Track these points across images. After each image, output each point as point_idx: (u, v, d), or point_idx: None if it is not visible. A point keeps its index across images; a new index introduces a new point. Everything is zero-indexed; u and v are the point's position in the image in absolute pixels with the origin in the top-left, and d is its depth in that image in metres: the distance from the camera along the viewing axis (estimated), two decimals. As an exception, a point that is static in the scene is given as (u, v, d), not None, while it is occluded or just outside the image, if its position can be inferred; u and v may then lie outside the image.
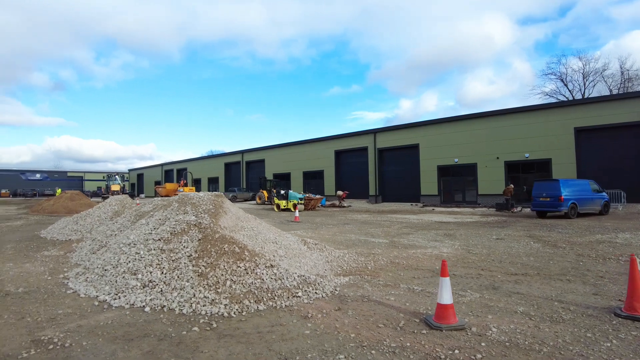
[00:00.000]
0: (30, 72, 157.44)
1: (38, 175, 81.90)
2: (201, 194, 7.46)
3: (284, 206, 23.54)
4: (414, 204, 28.94)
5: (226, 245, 5.23)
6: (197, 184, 49.44)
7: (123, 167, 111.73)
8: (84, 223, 11.45)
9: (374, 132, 33.73)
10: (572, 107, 23.62)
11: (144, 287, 4.67)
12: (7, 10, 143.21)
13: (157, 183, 63.78)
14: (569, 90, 41.82)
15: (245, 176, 50.25)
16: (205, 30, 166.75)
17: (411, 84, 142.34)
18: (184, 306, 4.28)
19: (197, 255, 5.08)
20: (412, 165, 30.74)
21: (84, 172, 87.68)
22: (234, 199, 40.00)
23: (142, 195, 63.65)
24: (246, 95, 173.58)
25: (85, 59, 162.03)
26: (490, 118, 26.47)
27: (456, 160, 27.76)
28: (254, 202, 37.61)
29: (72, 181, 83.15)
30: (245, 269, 4.85)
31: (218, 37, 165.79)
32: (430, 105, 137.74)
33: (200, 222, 5.87)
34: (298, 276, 5.05)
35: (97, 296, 4.75)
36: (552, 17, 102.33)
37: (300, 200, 23.85)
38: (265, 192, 32.42)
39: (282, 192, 24.63)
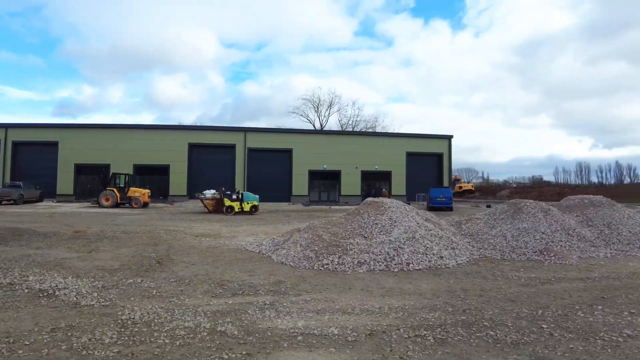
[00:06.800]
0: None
1: None
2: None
3: (238, 209, 20.41)
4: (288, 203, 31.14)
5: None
6: None
7: None
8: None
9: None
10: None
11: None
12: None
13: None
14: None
15: (11, 163, 31.62)
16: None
17: (108, 73, 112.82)
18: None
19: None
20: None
21: None
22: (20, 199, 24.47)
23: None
24: None
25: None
26: (347, 136, 39.19)
27: (325, 166, 34.49)
28: (79, 203, 26.65)
29: None
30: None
31: None
32: (114, 96, 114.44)
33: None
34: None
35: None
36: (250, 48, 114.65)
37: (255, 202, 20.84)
38: (116, 190, 23.50)
39: (231, 192, 21.07)
